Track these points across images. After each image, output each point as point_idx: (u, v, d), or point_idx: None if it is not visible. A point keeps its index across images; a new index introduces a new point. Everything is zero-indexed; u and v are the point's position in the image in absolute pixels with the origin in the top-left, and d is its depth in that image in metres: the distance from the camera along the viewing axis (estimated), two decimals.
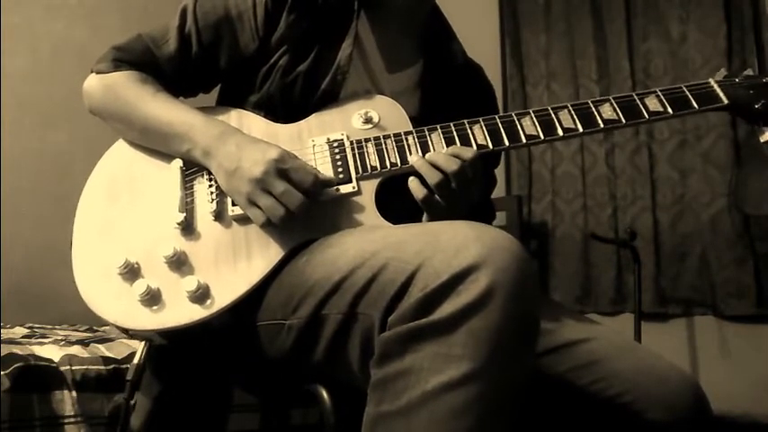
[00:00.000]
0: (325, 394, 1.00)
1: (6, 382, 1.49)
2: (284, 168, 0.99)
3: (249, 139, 1.05)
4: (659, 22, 2.80)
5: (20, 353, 1.60)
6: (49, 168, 2.83)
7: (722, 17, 2.62)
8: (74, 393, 1.57)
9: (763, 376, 2.41)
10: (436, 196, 1.02)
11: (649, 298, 2.68)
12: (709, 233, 2.62)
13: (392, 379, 0.77)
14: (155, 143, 1.12)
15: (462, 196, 1.03)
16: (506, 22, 3.23)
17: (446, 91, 1.22)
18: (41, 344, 1.76)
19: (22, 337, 1.91)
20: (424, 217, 1.07)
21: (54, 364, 1.59)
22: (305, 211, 0.98)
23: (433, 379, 0.74)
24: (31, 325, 2.30)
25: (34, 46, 2.94)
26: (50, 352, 1.66)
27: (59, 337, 1.90)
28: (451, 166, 1.01)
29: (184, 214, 1.03)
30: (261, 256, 1.00)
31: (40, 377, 1.55)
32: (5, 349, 1.59)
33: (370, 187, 1.05)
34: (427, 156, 1.03)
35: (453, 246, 0.78)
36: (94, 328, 2.24)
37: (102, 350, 1.71)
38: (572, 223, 2.95)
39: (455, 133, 1.07)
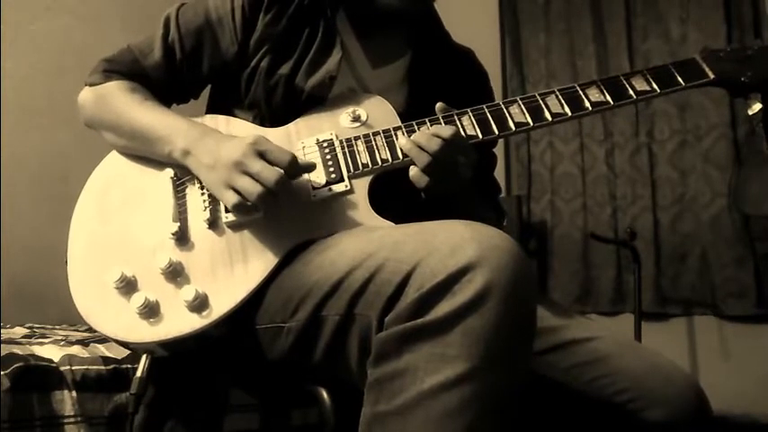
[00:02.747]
0: (325, 395, 1.00)
1: (6, 382, 1.49)
2: (261, 150, 0.99)
3: (227, 136, 1.06)
4: (659, 21, 2.80)
5: (20, 353, 1.60)
6: (50, 168, 2.83)
7: (722, 17, 2.62)
8: (74, 393, 1.57)
9: (763, 376, 2.41)
10: (428, 177, 1.02)
11: (649, 298, 2.68)
12: (709, 233, 2.62)
13: (388, 379, 0.77)
14: (141, 149, 1.13)
15: (451, 173, 1.03)
16: (506, 22, 3.23)
17: (436, 81, 1.21)
18: (41, 344, 1.76)
19: (22, 337, 1.91)
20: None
21: (54, 364, 1.59)
22: (284, 191, 0.97)
23: (429, 379, 0.74)
24: (31, 325, 2.30)
25: (35, 47, 2.94)
26: (50, 352, 1.65)
27: (59, 337, 1.90)
28: (432, 145, 1.01)
29: (178, 224, 1.03)
30: (257, 260, 1.00)
31: (40, 377, 1.55)
32: (5, 349, 1.59)
33: (362, 185, 1.05)
34: (412, 137, 1.04)
35: (449, 245, 0.78)
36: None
37: (102, 350, 1.71)
38: (571, 223, 2.95)
39: (443, 125, 1.07)
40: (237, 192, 0.98)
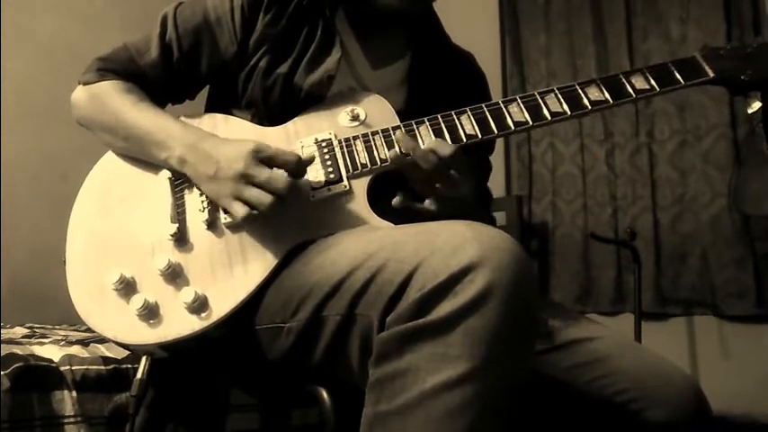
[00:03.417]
0: (325, 395, 1.00)
1: (6, 382, 1.49)
2: (264, 156, 0.98)
3: (223, 140, 1.05)
4: (659, 21, 2.80)
5: (20, 353, 1.60)
6: (49, 168, 2.83)
7: (722, 17, 2.62)
8: (74, 393, 1.57)
9: (763, 376, 2.41)
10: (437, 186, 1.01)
11: (649, 298, 2.67)
12: (709, 233, 2.61)
13: (390, 379, 0.77)
14: (137, 151, 1.12)
15: (451, 191, 1.02)
16: (506, 22, 3.22)
17: (435, 83, 1.21)
18: (41, 344, 1.76)
19: (22, 337, 1.91)
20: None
21: (54, 364, 1.59)
22: (293, 193, 0.97)
23: (430, 379, 0.74)
24: (31, 325, 2.30)
25: (34, 46, 2.94)
26: (50, 352, 1.66)
27: (59, 337, 1.90)
28: (427, 163, 1.00)
29: (177, 225, 1.03)
30: (257, 261, 0.99)
31: (40, 377, 1.55)
32: (5, 349, 1.59)
33: (361, 185, 1.04)
34: (406, 148, 1.02)
35: (451, 246, 0.78)
36: None
37: (102, 350, 1.71)
38: (572, 223, 2.95)
39: (443, 125, 1.06)
40: (245, 202, 0.97)
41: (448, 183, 1.02)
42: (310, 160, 1.02)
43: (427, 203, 1.04)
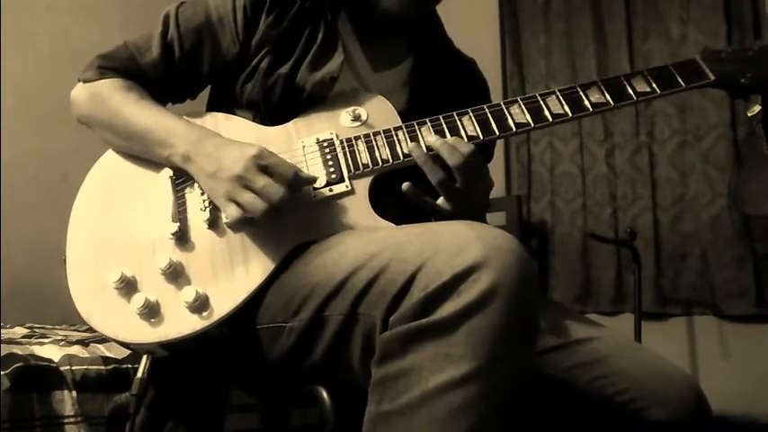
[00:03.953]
0: (325, 395, 1.00)
1: (6, 382, 1.49)
2: (264, 164, 0.98)
3: (227, 140, 1.05)
4: (659, 22, 2.80)
5: (20, 353, 1.60)
6: (49, 168, 2.83)
7: (722, 18, 2.62)
8: (74, 393, 1.57)
9: (763, 376, 2.41)
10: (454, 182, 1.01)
11: (649, 298, 2.68)
12: (709, 233, 2.62)
13: (393, 378, 0.77)
14: (138, 150, 1.12)
15: (468, 192, 1.02)
16: (506, 22, 3.23)
17: (437, 87, 1.21)
18: (41, 344, 1.76)
19: (22, 337, 1.91)
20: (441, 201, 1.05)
21: (54, 364, 1.59)
22: (287, 205, 0.97)
23: (433, 378, 0.74)
24: (31, 325, 2.30)
25: (34, 46, 2.94)
26: (50, 352, 1.66)
27: (59, 337, 1.90)
28: (451, 157, 1.00)
29: (178, 224, 1.02)
30: (258, 261, 0.99)
31: (39, 377, 1.55)
32: (5, 349, 1.59)
33: (363, 185, 1.04)
34: (430, 143, 1.03)
35: (455, 246, 0.78)
36: None
37: (102, 350, 1.71)
38: (572, 223, 2.95)
39: (444, 125, 1.06)
40: (239, 205, 0.97)
41: (464, 182, 1.01)
42: (311, 179, 1.02)
43: (440, 201, 1.04)
